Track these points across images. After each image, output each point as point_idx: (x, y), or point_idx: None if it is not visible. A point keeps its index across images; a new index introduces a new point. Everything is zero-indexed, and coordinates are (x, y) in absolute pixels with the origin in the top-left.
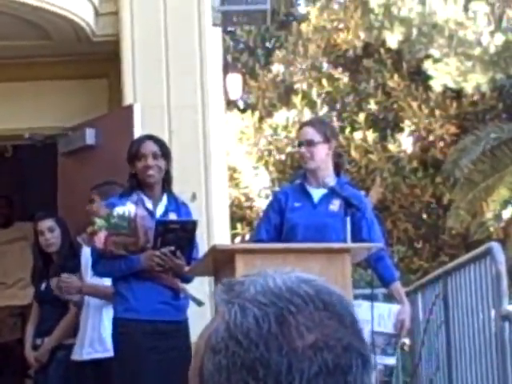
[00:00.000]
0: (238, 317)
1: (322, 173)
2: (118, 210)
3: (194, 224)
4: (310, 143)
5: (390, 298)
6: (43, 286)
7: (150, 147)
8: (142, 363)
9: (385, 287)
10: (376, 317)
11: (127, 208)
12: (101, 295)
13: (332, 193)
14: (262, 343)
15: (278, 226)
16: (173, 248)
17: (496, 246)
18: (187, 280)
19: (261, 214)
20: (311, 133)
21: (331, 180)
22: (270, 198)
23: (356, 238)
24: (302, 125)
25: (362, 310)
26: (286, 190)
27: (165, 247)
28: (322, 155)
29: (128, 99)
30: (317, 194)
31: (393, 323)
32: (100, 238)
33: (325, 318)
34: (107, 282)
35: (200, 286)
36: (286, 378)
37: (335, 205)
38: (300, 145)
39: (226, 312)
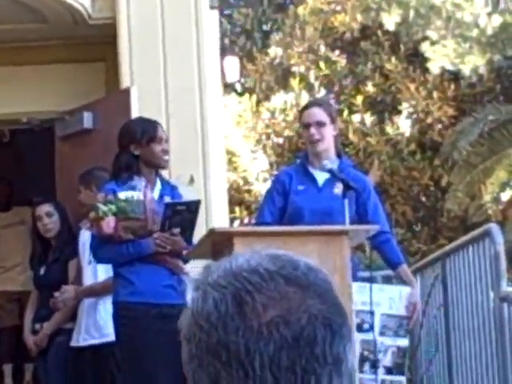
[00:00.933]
0: (200, 303)
1: (326, 154)
2: (127, 194)
3: (197, 204)
4: (320, 124)
5: (388, 280)
6: (42, 270)
7: (163, 132)
8: (149, 346)
9: (392, 270)
10: (387, 299)
11: (136, 192)
12: (98, 293)
13: (333, 175)
14: (221, 326)
15: (282, 208)
16: (179, 230)
17: (495, 227)
18: (184, 261)
19: (259, 197)
20: (320, 113)
21: (330, 162)
22: (270, 180)
23: (362, 220)
24: (309, 105)
25: (367, 292)
26: (288, 171)
27: (171, 229)
28: (330, 136)
29: (125, 82)
30: (321, 177)
31: (404, 305)
32: (109, 223)
33: (285, 293)
34: (101, 276)
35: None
36: (246, 358)
37: (340, 188)
38: (308, 126)
39: (191, 299)
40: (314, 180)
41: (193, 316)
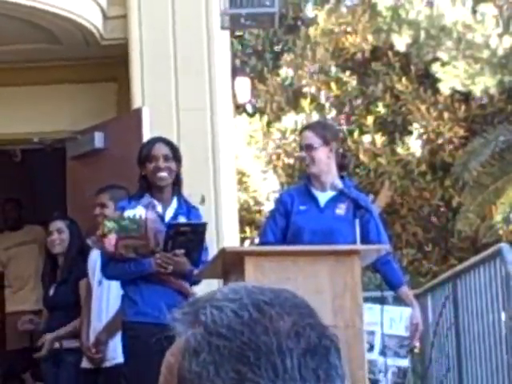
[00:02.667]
0: (215, 314)
1: (326, 176)
2: (129, 213)
3: (203, 226)
4: (309, 147)
5: (400, 300)
6: (51, 291)
7: (162, 149)
8: (153, 366)
9: (393, 291)
10: (388, 320)
11: (138, 211)
12: (116, 328)
13: (339, 196)
14: (247, 329)
15: (284, 228)
16: (183, 251)
17: (506, 247)
18: (194, 282)
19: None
20: (310, 137)
21: (333, 183)
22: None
23: (364, 240)
24: (303, 129)
25: (373, 313)
26: (291, 192)
27: (174, 250)
28: (323, 159)
29: (137, 102)
30: (323, 197)
31: (405, 326)
32: (110, 241)
33: (297, 308)
34: (111, 299)
35: (208, 289)
36: (278, 356)
37: (342, 209)
38: (301, 149)
39: (201, 315)
40: (315, 200)
41: (207, 327)
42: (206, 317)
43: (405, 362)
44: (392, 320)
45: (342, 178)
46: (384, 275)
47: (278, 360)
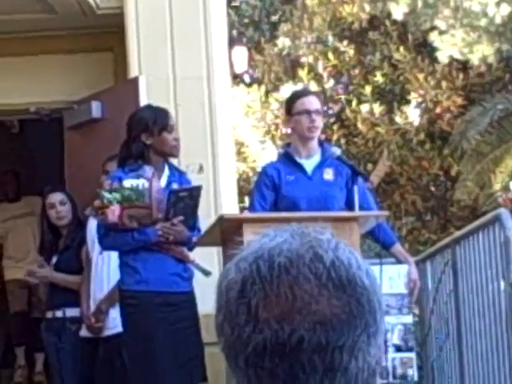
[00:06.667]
0: (223, 277)
1: (314, 142)
2: (133, 182)
3: (198, 190)
4: (319, 112)
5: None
6: (54, 259)
7: (174, 119)
8: (154, 335)
9: (386, 250)
10: (387, 279)
11: (142, 180)
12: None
13: (324, 161)
14: (223, 311)
15: (272, 202)
16: (182, 218)
17: (505, 213)
18: (189, 249)
19: None
20: (318, 103)
21: (314, 150)
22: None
23: (352, 206)
24: (306, 93)
25: None
26: (274, 165)
27: (175, 217)
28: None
29: (133, 72)
30: (308, 165)
31: (404, 283)
32: (114, 211)
33: (287, 294)
34: (114, 265)
35: (208, 256)
36: (233, 350)
37: (329, 174)
38: (308, 113)
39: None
40: (302, 169)
41: (218, 285)
42: (224, 273)
43: (408, 319)
44: (391, 279)
45: (321, 145)
46: (376, 236)
47: (232, 354)
